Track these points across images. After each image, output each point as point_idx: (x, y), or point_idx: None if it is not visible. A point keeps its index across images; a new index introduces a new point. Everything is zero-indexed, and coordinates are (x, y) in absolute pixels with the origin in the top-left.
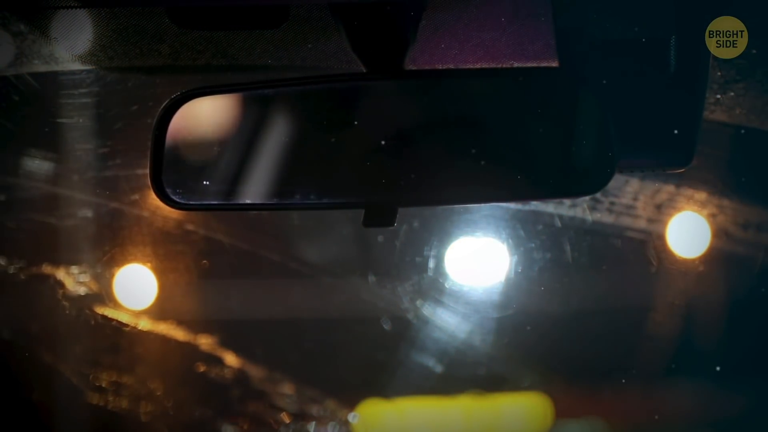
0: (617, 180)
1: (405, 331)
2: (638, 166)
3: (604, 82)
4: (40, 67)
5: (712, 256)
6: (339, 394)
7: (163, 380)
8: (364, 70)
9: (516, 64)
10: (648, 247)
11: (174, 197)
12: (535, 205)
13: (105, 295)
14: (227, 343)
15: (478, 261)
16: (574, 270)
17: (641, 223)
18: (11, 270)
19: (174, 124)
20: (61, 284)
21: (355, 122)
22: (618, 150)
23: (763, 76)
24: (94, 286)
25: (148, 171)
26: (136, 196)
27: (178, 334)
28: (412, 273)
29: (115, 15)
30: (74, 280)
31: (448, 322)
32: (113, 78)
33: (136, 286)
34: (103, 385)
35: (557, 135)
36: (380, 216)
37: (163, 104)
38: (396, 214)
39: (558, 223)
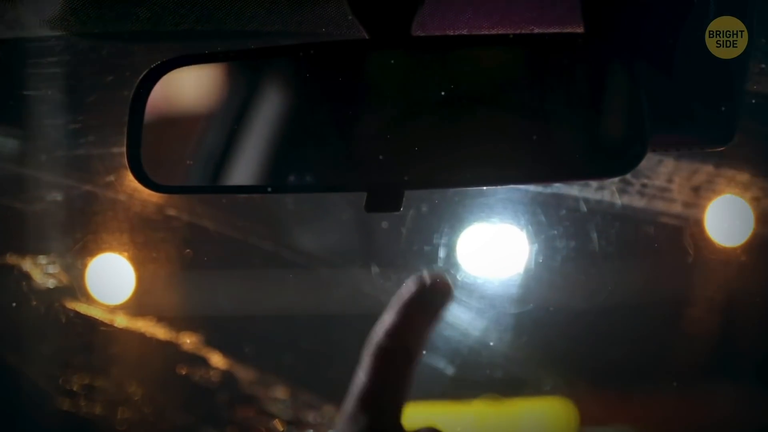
0: (649, 159)
1: None
2: (673, 144)
3: (635, 49)
4: (4, 34)
5: (755, 245)
6: (338, 399)
7: (141, 383)
8: (367, 37)
9: (536, 30)
10: (684, 234)
11: (154, 179)
12: (557, 188)
13: (77, 289)
14: (213, 342)
15: (493, 250)
16: (601, 260)
17: (677, 208)
18: None
19: (153, 96)
20: (27, 276)
21: (356, 95)
22: (651, 126)
23: None
24: (65, 279)
25: (124, 149)
26: (111, 178)
27: (159, 331)
28: (420, 263)
29: None
30: (42, 272)
31: (460, 319)
32: (86, 45)
33: (111, 279)
34: (75, 389)
35: (582, 109)
36: (384, 200)
37: (142, 74)
38: (402, 198)
39: (583, 208)
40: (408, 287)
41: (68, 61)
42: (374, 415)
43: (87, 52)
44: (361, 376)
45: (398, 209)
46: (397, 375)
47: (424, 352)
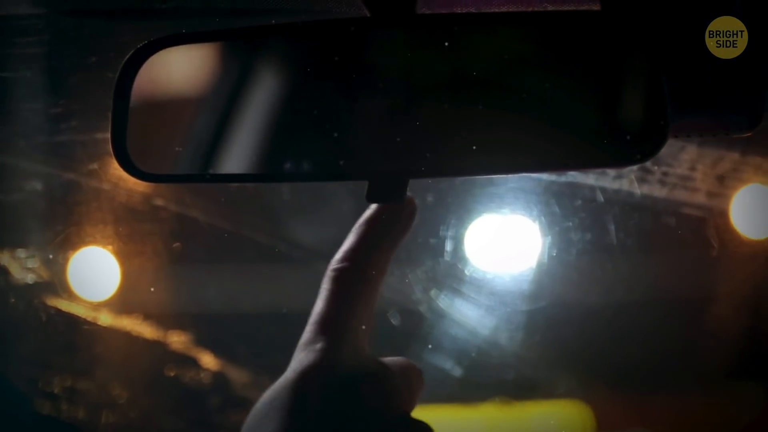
0: (671, 146)
1: (417, 327)
2: (696, 129)
3: (655, 28)
4: None
5: None
6: None
7: (127, 385)
8: (368, 15)
9: (550, 7)
10: (708, 226)
11: (140, 166)
12: (572, 176)
13: (58, 285)
14: (204, 341)
15: (504, 243)
16: (619, 254)
17: (700, 198)
18: None
19: (140, 79)
20: (4, 271)
21: (357, 77)
22: (672, 110)
23: None
24: (45, 274)
25: (109, 135)
26: (95, 166)
27: (146, 330)
28: (425, 257)
29: None
30: (21, 267)
31: (468, 317)
32: (67, 23)
33: (95, 274)
34: (56, 392)
35: (599, 92)
36: (387, 189)
37: (127, 55)
38: (406, 187)
39: (600, 198)
40: (370, 210)
41: (48, 41)
42: (331, 340)
43: (69, 30)
44: (317, 302)
45: (402, 200)
46: (355, 298)
47: (384, 274)
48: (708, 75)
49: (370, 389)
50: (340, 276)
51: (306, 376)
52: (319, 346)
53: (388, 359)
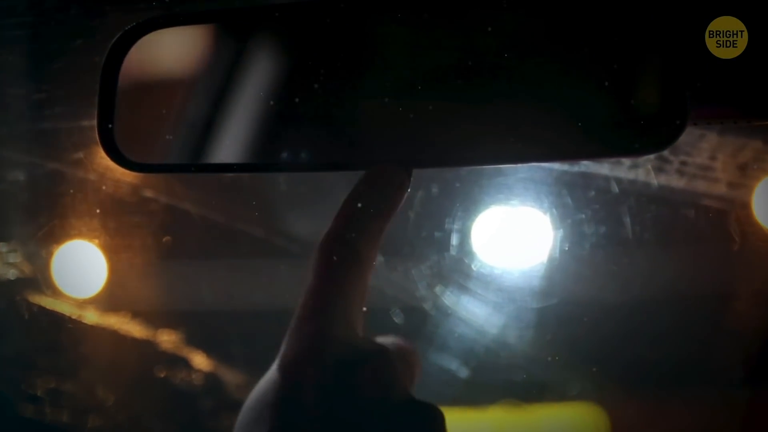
0: (690, 134)
1: (421, 326)
2: (716, 116)
3: (672, 7)
4: None
5: None
6: None
7: (114, 387)
8: None
9: None
10: (729, 218)
11: (128, 156)
12: (585, 166)
13: (41, 281)
14: (196, 340)
15: (513, 237)
16: (635, 248)
17: (720, 189)
18: None
19: (129, 62)
20: None
21: (359, 62)
22: (690, 96)
23: None
24: (28, 269)
25: (95, 122)
26: (80, 155)
27: (134, 328)
28: (430, 252)
29: None
30: (2, 261)
31: (475, 314)
32: (52, 4)
33: (80, 269)
34: (39, 394)
35: (614, 77)
36: None
37: (115, 37)
38: (410, 178)
39: (615, 189)
40: (358, 183)
41: (31, 23)
42: (322, 322)
43: (53, 12)
44: (307, 282)
45: (405, 190)
46: (346, 275)
47: (377, 252)
48: (729, 59)
49: (369, 373)
50: (329, 252)
51: (298, 365)
52: (309, 329)
53: (382, 339)
